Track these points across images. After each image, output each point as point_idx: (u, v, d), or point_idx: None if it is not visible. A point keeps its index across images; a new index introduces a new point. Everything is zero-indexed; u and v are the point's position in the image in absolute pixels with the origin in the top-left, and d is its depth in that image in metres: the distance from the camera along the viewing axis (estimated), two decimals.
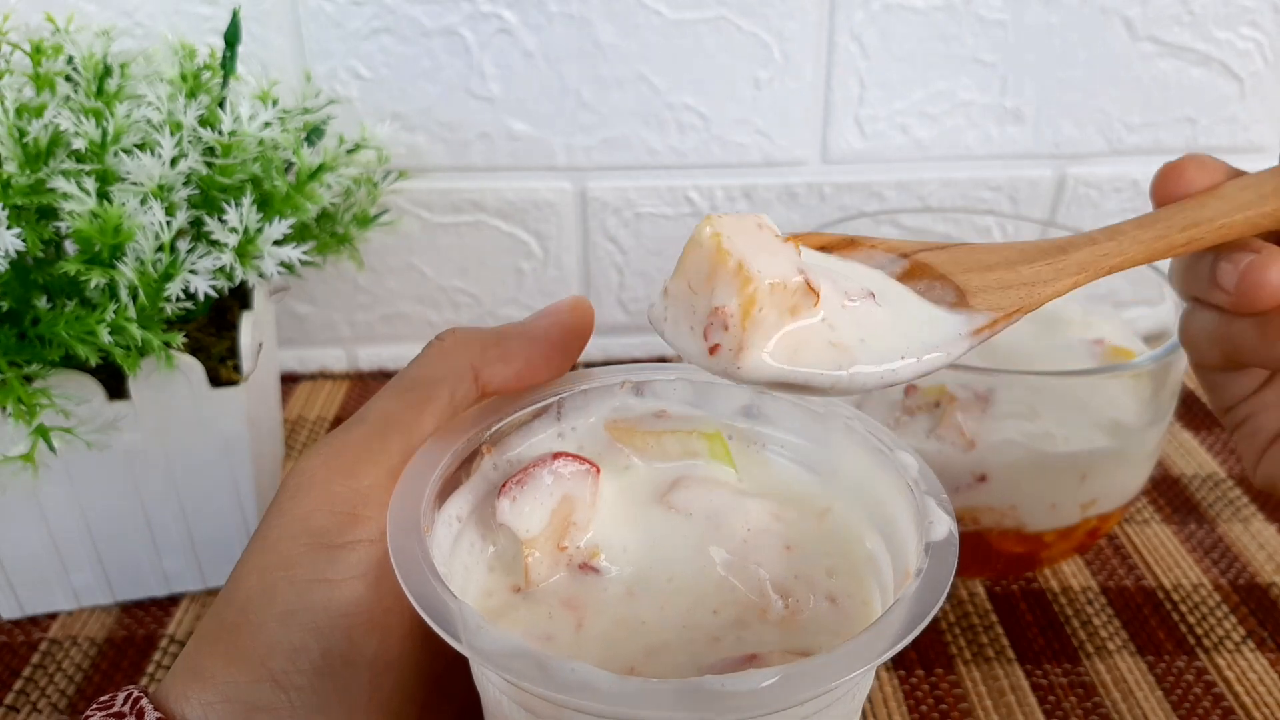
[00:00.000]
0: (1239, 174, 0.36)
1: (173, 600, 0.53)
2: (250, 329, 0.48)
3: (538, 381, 0.33)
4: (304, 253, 0.47)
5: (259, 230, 0.45)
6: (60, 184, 0.41)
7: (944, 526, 0.27)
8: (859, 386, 0.26)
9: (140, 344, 0.43)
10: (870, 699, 0.47)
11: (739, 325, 0.26)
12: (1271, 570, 0.55)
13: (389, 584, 0.25)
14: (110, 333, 0.42)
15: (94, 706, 0.29)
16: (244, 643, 0.29)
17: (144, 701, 0.29)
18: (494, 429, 0.31)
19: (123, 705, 0.29)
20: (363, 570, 0.29)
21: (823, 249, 0.31)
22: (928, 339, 0.28)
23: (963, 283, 0.30)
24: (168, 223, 0.43)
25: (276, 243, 0.46)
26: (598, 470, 0.31)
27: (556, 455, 0.30)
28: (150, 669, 0.48)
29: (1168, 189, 0.36)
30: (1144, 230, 0.34)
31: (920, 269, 0.30)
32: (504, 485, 0.30)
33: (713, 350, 0.26)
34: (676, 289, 0.27)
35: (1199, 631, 0.51)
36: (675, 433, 0.33)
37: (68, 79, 0.47)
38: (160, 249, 0.43)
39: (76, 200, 0.41)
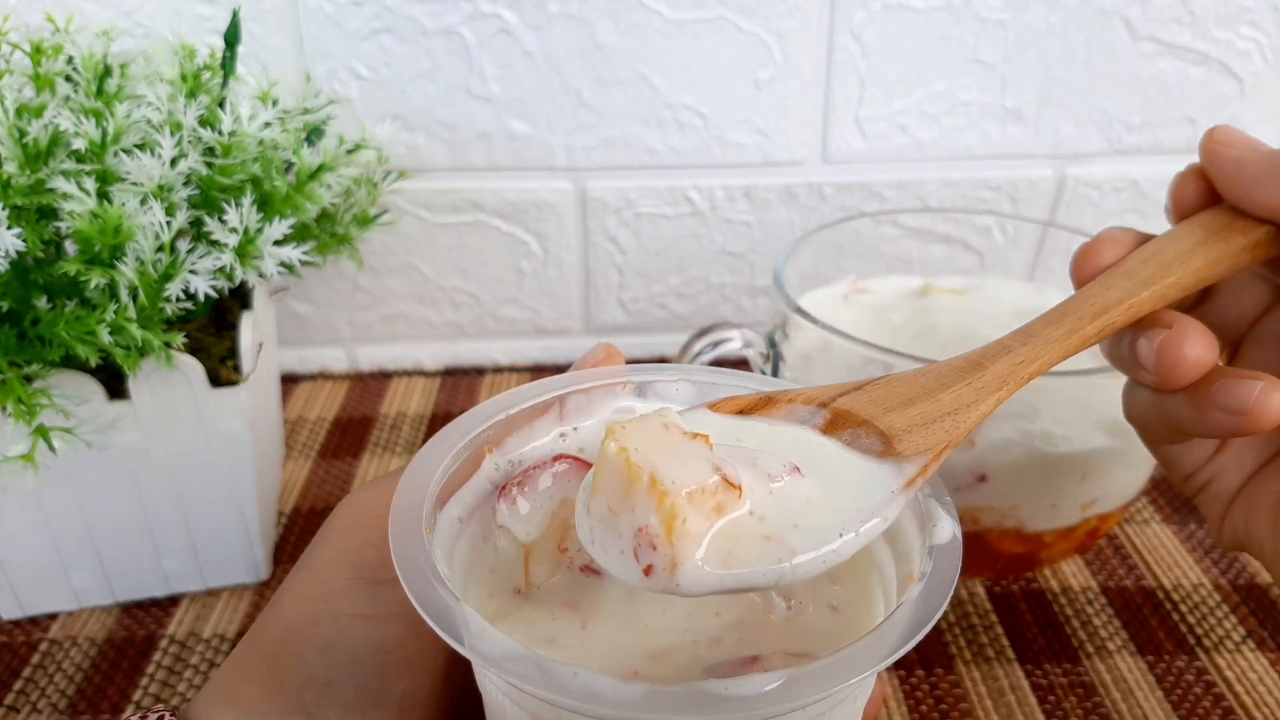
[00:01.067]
0: (1147, 240, 0.35)
1: (173, 601, 0.53)
2: (250, 329, 0.48)
3: None
4: (304, 253, 0.47)
5: (259, 230, 0.45)
6: (60, 184, 0.41)
7: (948, 529, 0.27)
8: (803, 576, 0.25)
9: (140, 344, 0.43)
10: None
11: (665, 542, 0.24)
12: None
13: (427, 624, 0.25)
14: (110, 333, 0.42)
15: None
16: (281, 672, 0.30)
17: None
18: (495, 429, 0.31)
19: None
20: (404, 608, 0.29)
21: (740, 413, 0.30)
22: (862, 505, 0.27)
23: (885, 426, 0.29)
24: (168, 223, 0.43)
25: (276, 243, 0.46)
26: None
27: (557, 457, 0.30)
28: (150, 669, 0.48)
29: (1085, 271, 0.35)
30: (1055, 327, 0.32)
31: (842, 417, 0.29)
32: (504, 488, 0.30)
33: (647, 572, 0.25)
34: (597, 509, 0.26)
35: (1199, 631, 0.51)
36: None
37: (68, 79, 0.47)
38: (160, 249, 0.43)
39: (76, 200, 0.41)
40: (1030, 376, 0.31)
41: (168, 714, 0.30)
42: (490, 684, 0.27)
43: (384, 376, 0.75)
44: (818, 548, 0.25)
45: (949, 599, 0.25)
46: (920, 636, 0.23)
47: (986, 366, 0.31)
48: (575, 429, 0.33)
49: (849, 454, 0.28)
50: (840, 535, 0.26)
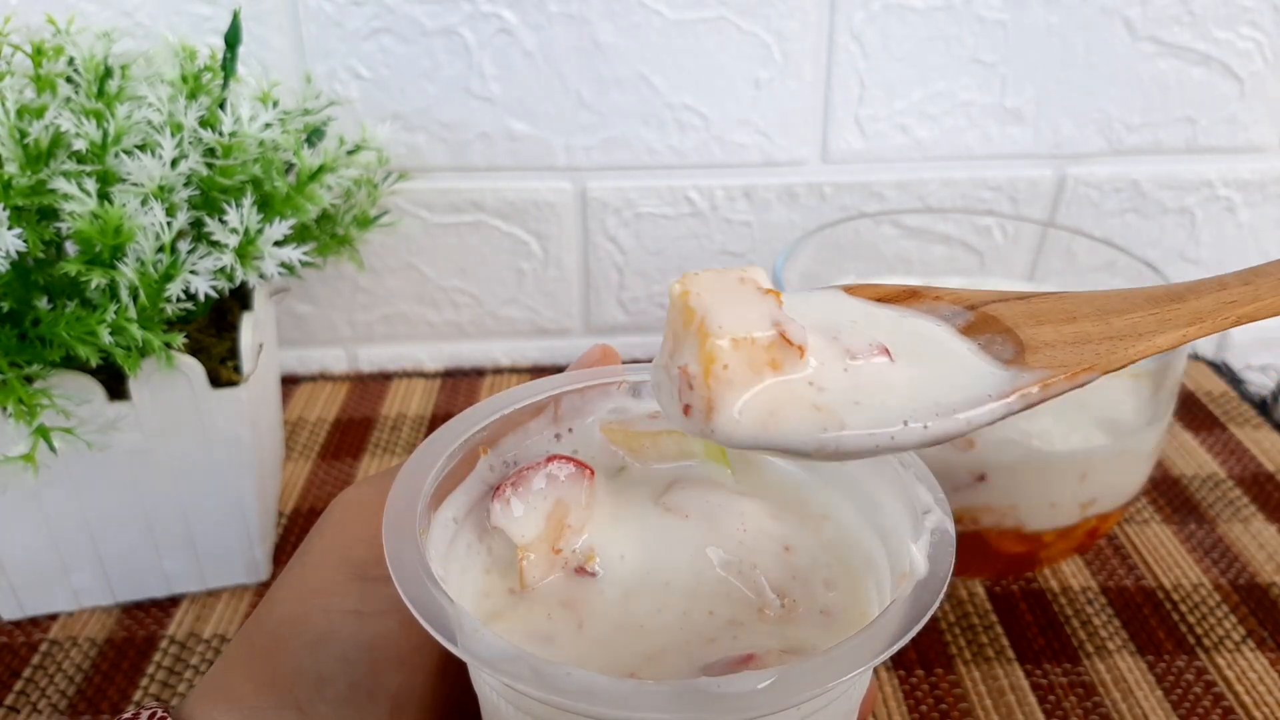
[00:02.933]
0: None
1: (173, 601, 0.53)
2: (250, 330, 0.49)
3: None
4: (304, 253, 0.47)
5: (259, 231, 0.46)
6: (61, 185, 0.41)
7: (941, 526, 0.27)
8: (846, 452, 0.24)
9: (141, 344, 0.43)
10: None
11: (703, 384, 0.24)
12: (1271, 570, 0.55)
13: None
14: (111, 333, 0.42)
15: None
16: (273, 668, 0.30)
17: None
18: (490, 430, 0.31)
19: None
20: (396, 605, 0.29)
21: (881, 300, 0.28)
22: (948, 401, 0.24)
23: (1028, 337, 0.26)
24: (168, 223, 0.43)
25: (277, 243, 0.46)
26: (592, 473, 0.31)
27: (551, 458, 0.30)
28: (150, 670, 0.48)
29: None
30: None
31: (986, 322, 0.27)
32: (498, 488, 0.30)
33: (685, 411, 0.24)
34: (664, 351, 0.26)
35: (1199, 631, 0.51)
36: (671, 433, 0.33)
37: (69, 80, 0.47)
38: (161, 250, 0.43)
39: (77, 201, 0.41)
40: (1239, 320, 0.27)
41: (160, 710, 0.30)
42: (485, 684, 0.27)
43: (384, 377, 0.75)
44: (871, 427, 0.24)
45: (942, 596, 0.25)
46: (913, 633, 0.23)
47: (1187, 299, 0.27)
48: (570, 429, 0.33)
49: (972, 356, 0.26)
50: (905, 422, 0.24)
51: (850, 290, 0.29)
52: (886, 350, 0.26)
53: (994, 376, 0.25)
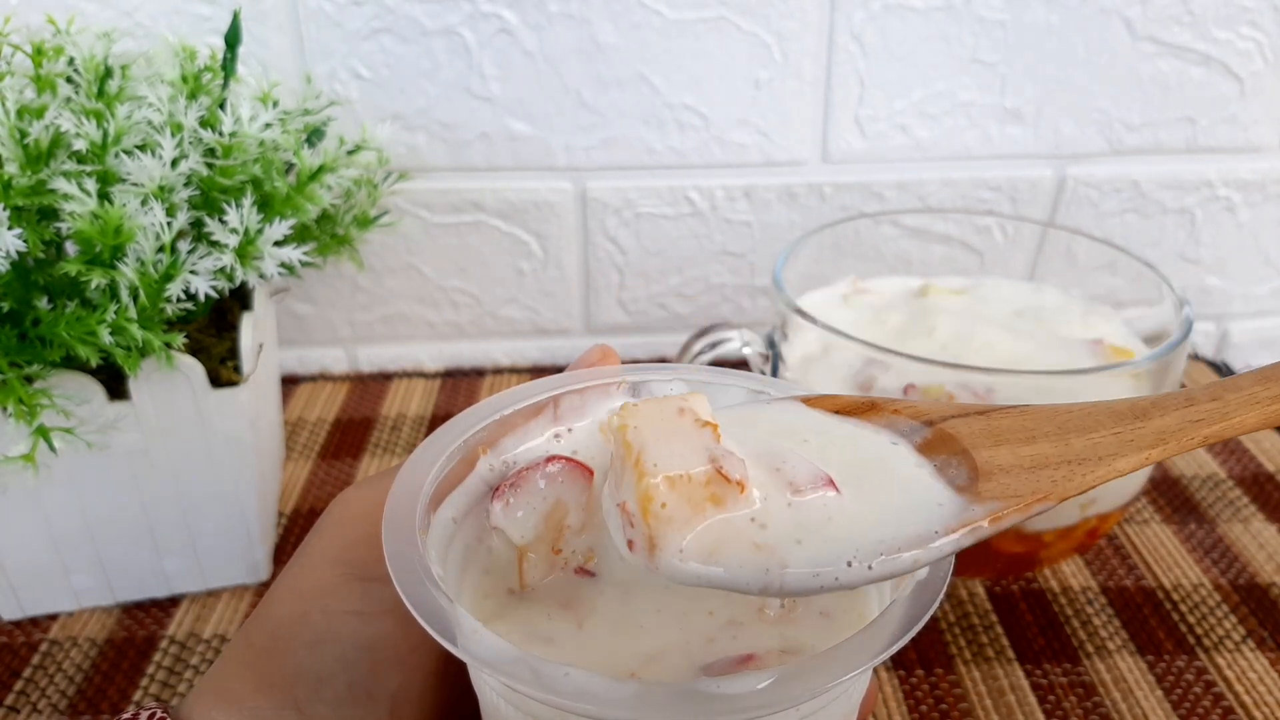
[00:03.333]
0: None
1: (173, 601, 0.53)
2: (250, 330, 0.49)
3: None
4: (304, 254, 0.47)
5: (259, 231, 0.46)
6: (61, 185, 0.41)
7: None
8: (791, 591, 0.23)
9: (141, 344, 0.43)
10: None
11: (641, 522, 0.24)
12: (1271, 570, 0.55)
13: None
14: (111, 333, 0.42)
15: None
16: (272, 668, 0.30)
17: None
18: (490, 430, 0.31)
19: None
20: (396, 605, 0.29)
21: (839, 412, 0.28)
22: (894, 539, 0.24)
23: (983, 460, 0.25)
24: (168, 223, 0.43)
25: (277, 244, 0.46)
26: (590, 473, 0.31)
27: (550, 459, 0.30)
28: (150, 670, 0.48)
29: None
30: (1267, 386, 0.26)
31: (944, 440, 0.26)
32: (498, 489, 0.30)
33: (630, 546, 0.24)
34: (610, 479, 0.26)
35: (1199, 631, 0.51)
36: None
37: (69, 80, 0.47)
38: (161, 250, 0.43)
39: (77, 201, 0.41)
40: (1205, 440, 0.26)
41: (160, 710, 0.30)
42: (485, 684, 0.27)
43: (384, 378, 0.75)
44: (814, 568, 0.24)
45: (942, 596, 0.25)
46: (913, 633, 0.23)
47: (1151, 416, 0.26)
48: (570, 430, 0.33)
49: (924, 481, 0.25)
50: (849, 563, 0.23)
51: (809, 402, 0.28)
52: (832, 482, 0.25)
53: (943, 509, 0.24)
